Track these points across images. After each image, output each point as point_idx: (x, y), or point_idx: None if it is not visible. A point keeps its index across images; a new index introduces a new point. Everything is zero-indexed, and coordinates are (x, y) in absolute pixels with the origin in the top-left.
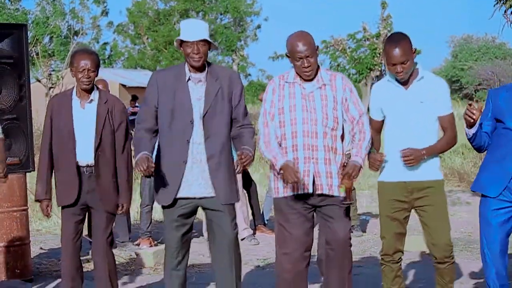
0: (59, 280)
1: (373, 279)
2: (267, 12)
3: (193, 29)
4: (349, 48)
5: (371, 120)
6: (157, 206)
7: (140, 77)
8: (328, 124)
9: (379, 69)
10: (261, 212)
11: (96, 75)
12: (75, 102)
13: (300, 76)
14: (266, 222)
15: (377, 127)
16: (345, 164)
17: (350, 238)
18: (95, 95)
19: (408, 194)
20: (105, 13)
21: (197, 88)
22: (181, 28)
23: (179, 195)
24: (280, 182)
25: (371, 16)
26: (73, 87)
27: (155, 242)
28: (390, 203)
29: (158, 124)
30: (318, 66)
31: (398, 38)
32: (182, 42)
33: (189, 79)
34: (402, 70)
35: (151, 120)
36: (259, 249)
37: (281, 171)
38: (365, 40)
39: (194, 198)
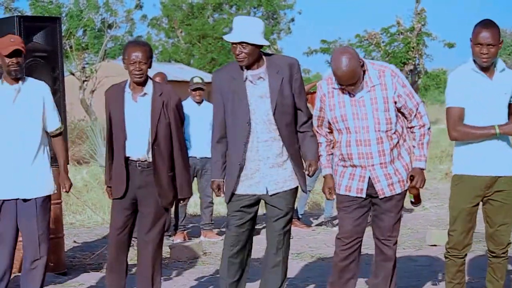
0: (92, 274)
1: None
2: (300, 6)
3: (237, 29)
4: (383, 42)
5: (451, 109)
6: (191, 201)
7: (174, 71)
8: (381, 129)
9: (413, 63)
10: (295, 207)
11: (149, 67)
12: (127, 95)
13: None
14: (300, 216)
15: (461, 115)
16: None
17: (398, 232)
18: (149, 88)
19: (486, 188)
20: (139, 6)
21: (258, 86)
22: (232, 25)
23: (243, 192)
24: (343, 179)
25: (405, 10)
26: (127, 79)
27: (189, 236)
28: (468, 197)
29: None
30: (364, 66)
31: (491, 23)
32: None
33: (246, 78)
34: (487, 53)
35: (223, 127)
36: (292, 243)
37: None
38: (399, 34)
39: (259, 195)
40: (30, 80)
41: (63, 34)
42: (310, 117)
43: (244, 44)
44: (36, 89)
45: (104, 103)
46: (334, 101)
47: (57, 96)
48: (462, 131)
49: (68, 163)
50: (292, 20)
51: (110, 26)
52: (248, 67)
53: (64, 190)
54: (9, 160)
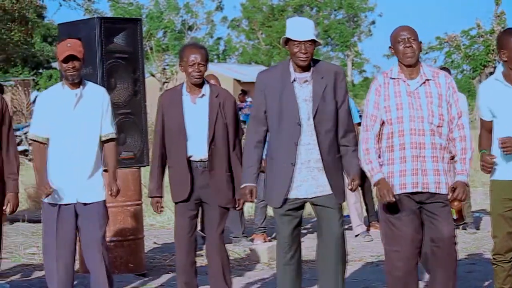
0: (172, 275)
1: (485, 277)
2: (381, 8)
3: (301, 28)
4: (463, 44)
5: (481, 120)
6: None
7: (254, 73)
8: (434, 122)
9: (493, 65)
10: (375, 209)
11: (206, 69)
12: (185, 97)
13: (404, 71)
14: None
15: (488, 127)
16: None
17: (455, 236)
18: (206, 89)
19: None
20: (219, 8)
21: (303, 89)
22: (288, 26)
23: (288, 196)
24: (393, 179)
25: (484, 13)
26: (183, 83)
27: (269, 237)
28: (502, 202)
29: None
30: (419, 62)
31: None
32: (287, 40)
33: (294, 80)
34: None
35: (261, 130)
36: (372, 246)
37: (377, 185)
38: (479, 37)
39: (305, 198)
40: (90, 85)
41: (143, 36)
42: (352, 129)
43: (308, 43)
44: (96, 94)
45: (160, 107)
46: (390, 91)
47: (137, 97)
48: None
49: (117, 169)
50: (373, 22)
51: (190, 28)
52: (302, 69)
53: (110, 193)
54: (68, 165)
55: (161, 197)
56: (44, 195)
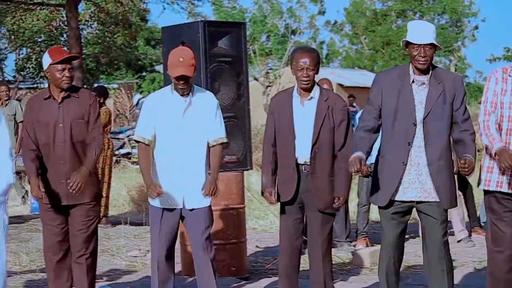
0: (274, 279)
1: None
2: (484, 14)
3: (421, 32)
4: None
5: None
6: (374, 207)
7: (358, 77)
8: None
9: None
10: (477, 214)
11: (316, 73)
12: (295, 99)
13: None
14: (482, 224)
15: None
16: None
17: None
18: (315, 92)
19: None
20: (322, 12)
21: (419, 91)
22: (409, 29)
23: (395, 198)
24: (492, 174)
25: None
26: (294, 85)
27: (372, 242)
28: None
29: (381, 123)
30: None
31: None
32: (408, 43)
33: (413, 81)
34: None
35: (373, 121)
36: (474, 251)
37: (496, 156)
38: None
39: (411, 202)
40: (198, 91)
41: (247, 39)
42: (468, 128)
43: (428, 47)
44: (205, 101)
45: (271, 108)
46: (507, 87)
47: (241, 101)
48: None
49: (218, 172)
50: (476, 27)
51: (293, 32)
52: (421, 72)
53: (207, 192)
54: (175, 171)
55: (274, 187)
56: (155, 195)
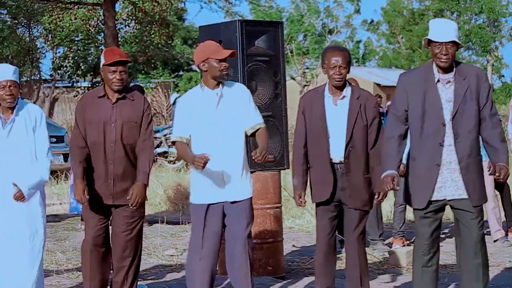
0: (310, 278)
1: None
2: None
3: (442, 30)
4: None
5: None
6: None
7: (395, 76)
8: None
9: None
10: None
11: (348, 72)
12: (327, 99)
13: None
14: None
15: None
16: None
17: None
18: (347, 91)
19: None
20: (357, 10)
21: (446, 90)
22: (430, 27)
23: (432, 198)
24: None
25: None
26: (325, 84)
27: (408, 241)
28: None
29: (409, 127)
30: None
31: None
32: (430, 41)
33: (438, 80)
34: None
35: (401, 127)
36: (511, 251)
37: None
38: None
39: (445, 200)
40: (229, 83)
41: (284, 39)
42: (495, 123)
43: (450, 45)
44: (236, 90)
45: (301, 108)
46: None
47: (278, 100)
48: None
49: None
50: None
51: (330, 31)
52: (444, 70)
53: (256, 155)
54: (215, 164)
55: (305, 191)
56: (202, 163)
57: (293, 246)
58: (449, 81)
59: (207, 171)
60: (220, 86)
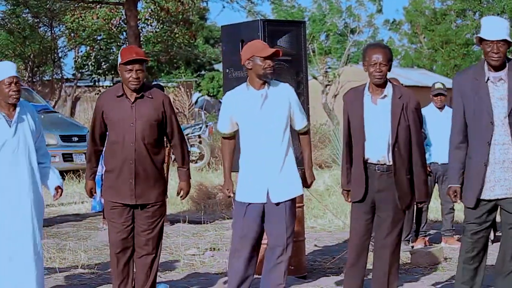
0: (332, 278)
1: None
2: None
3: (494, 28)
4: None
5: None
6: (432, 206)
7: (417, 76)
8: None
9: None
10: None
11: (388, 70)
12: (367, 97)
13: None
14: None
15: None
16: None
17: None
18: (388, 90)
19: None
20: (379, 10)
21: (498, 88)
22: (482, 25)
23: (481, 197)
24: None
25: None
26: (366, 82)
27: (430, 242)
28: None
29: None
30: None
31: None
32: (481, 40)
33: (488, 79)
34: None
35: (461, 131)
36: None
37: None
38: None
39: (496, 200)
40: (274, 83)
41: (306, 38)
42: None
43: (501, 43)
44: (282, 91)
45: (345, 106)
46: None
47: (300, 100)
48: None
49: (311, 160)
50: None
51: (352, 31)
52: (496, 68)
53: (306, 184)
54: (258, 164)
55: (349, 190)
56: (226, 194)
57: (315, 245)
58: (501, 79)
59: (251, 172)
60: (266, 86)
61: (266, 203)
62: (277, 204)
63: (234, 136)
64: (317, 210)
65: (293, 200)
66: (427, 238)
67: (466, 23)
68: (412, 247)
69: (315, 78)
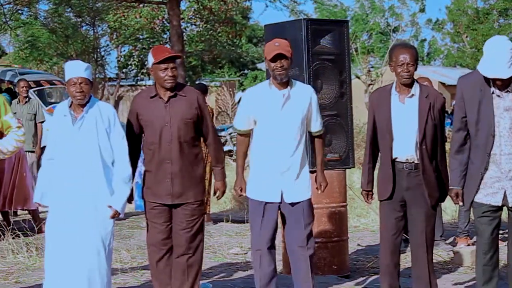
0: (375, 277)
1: None
2: None
3: (495, 64)
4: None
5: None
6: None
7: (460, 75)
8: None
9: None
10: None
11: (415, 70)
12: (394, 97)
13: None
14: None
15: None
16: None
17: None
18: (416, 89)
19: None
20: (422, 9)
21: (503, 98)
22: (484, 54)
23: (482, 202)
24: None
25: None
26: (393, 82)
27: (473, 241)
28: None
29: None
30: None
31: None
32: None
33: (493, 92)
34: None
35: (463, 136)
36: None
37: None
38: None
39: (496, 205)
40: (297, 85)
41: (349, 37)
42: None
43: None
44: (304, 93)
45: (370, 106)
46: None
47: (344, 99)
48: None
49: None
50: None
51: (395, 30)
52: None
53: (318, 189)
54: (274, 165)
55: (370, 190)
56: (237, 193)
57: (358, 245)
58: (508, 90)
59: (267, 171)
60: (288, 87)
61: (281, 203)
62: (292, 204)
63: (249, 134)
64: (360, 210)
65: (310, 200)
66: (469, 237)
67: (508, 22)
68: (455, 245)
69: (358, 77)
